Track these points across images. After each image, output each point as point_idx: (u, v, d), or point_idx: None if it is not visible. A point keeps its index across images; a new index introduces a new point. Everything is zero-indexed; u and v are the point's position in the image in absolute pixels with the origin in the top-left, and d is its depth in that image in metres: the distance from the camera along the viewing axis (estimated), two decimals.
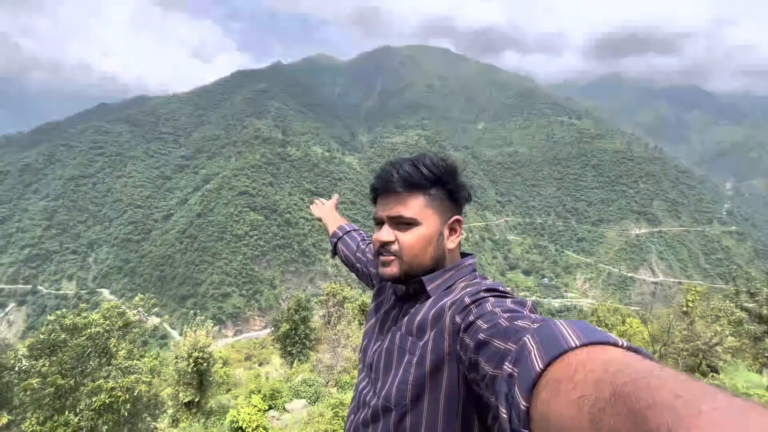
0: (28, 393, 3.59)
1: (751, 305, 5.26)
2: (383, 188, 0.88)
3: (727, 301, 5.63)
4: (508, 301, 0.66)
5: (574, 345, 0.39)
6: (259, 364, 16.55)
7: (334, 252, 1.43)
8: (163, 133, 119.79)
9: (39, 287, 72.37)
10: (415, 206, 0.83)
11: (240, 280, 69.70)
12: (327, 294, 11.93)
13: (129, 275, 74.47)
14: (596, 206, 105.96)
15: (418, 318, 0.78)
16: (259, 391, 9.52)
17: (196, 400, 7.63)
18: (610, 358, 0.35)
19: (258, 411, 6.82)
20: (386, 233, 0.85)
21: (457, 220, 0.86)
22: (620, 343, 0.39)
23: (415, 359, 0.73)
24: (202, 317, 9.07)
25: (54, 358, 3.76)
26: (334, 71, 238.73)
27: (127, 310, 4.86)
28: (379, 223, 0.88)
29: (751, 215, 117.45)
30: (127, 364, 4.16)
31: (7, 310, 67.47)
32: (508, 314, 0.58)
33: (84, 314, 4.29)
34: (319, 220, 1.63)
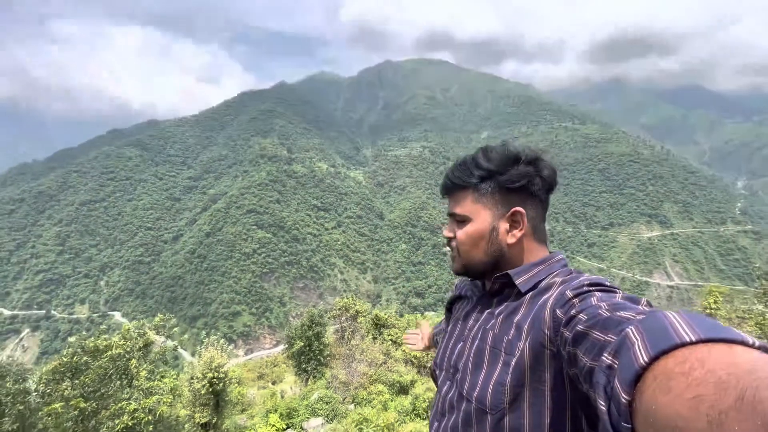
0: (51, 417, 3.58)
1: None
2: (441, 190, 0.91)
3: (755, 302, 5.45)
4: (618, 296, 0.61)
5: (688, 340, 0.35)
6: (273, 383, 16.34)
7: None
8: (171, 155, 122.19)
9: (52, 311, 73.09)
10: (464, 203, 0.85)
11: (249, 299, 69.68)
12: (340, 308, 11.83)
13: (140, 297, 74.95)
14: (605, 210, 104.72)
15: (516, 318, 0.74)
16: (276, 410, 9.38)
17: (213, 421, 7.54)
18: (737, 359, 0.31)
19: (276, 430, 6.71)
20: (447, 230, 0.90)
21: (517, 212, 0.82)
22: (749, 342, 0.34)
23: (513, 359, 0.69)
24: (215, 336, 9.04)
25: (76, 381, 3.77)
26: (338, 88, 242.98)
27: (148, 330, 4.87)
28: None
29: (766, 213, 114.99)
30: (148, 385, 4.15)
31: (21, 336, 68.09)
32: (611, 305, 0.56)
33: (105, 336, 4.31)
34: (428, 349, 1.47)
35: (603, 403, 0.40)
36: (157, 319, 5.27)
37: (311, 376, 12.48)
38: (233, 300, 68.40)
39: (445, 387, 0.83)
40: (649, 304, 0.58)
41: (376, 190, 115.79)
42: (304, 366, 11.94)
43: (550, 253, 0.87)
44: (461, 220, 0.85)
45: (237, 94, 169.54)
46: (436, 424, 0.82)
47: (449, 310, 1.03)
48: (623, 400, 0.36)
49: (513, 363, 0.69)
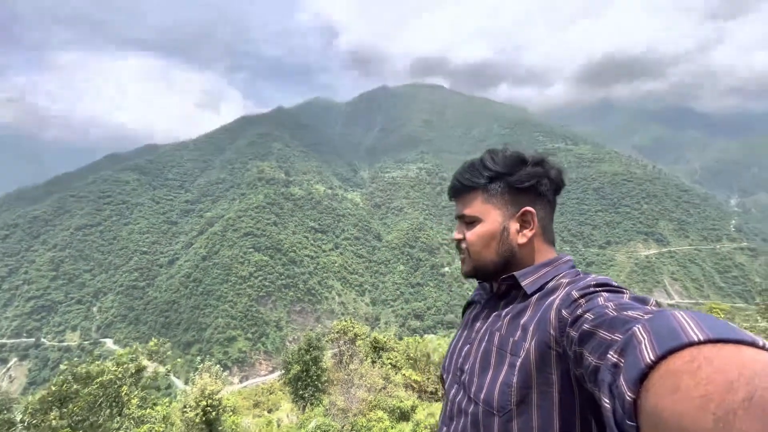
0: None
1: None
2: (449, 192, 0.91)
3: (758, 318, 5.41)
4: (626, 296, 0.60)
5: (696, 339, 0.35)
6: (269, 411, 15.78)
7: None
8: (169, 179, 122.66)
9: (42, 339, 71.11)
10: (474, 204, 0.84)
11: (245, 323, 68.29)
12: (338, 331, 11.60)
13: (133, 323, 73.31)
14: (602, 229, 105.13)
15: (523, 319, 0.74)
16: None
17: None
18: (747, 360, 0.31)
19: None
20: (456, 232, 0.89)
21: (528, 212, 0.83)
22: (759, 343, 0.33)
23: (519, 360, 0.68)
24: (209, 363, 8.79)
25: (65, 410, 3.61)
26: (335, 112, 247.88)
27: (141, 355, 4.73)
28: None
29: (760, 230, 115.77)
30: (139, 414, 3.98)
31: (8, 365, 65.90)
32: (618, 305, 0.55)
33: (98, 362, 4.17)
34: None
35: (608, 401, 0.40)
36: (151, 343, 5.13)
37: (308, 403, 12.08)
38: (229, 325, 66.98)
39: (453, 390, 0.83)
40: (657, 305, 0.57)
41: (374, 212, 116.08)
42: (301, 392, 11.59)
43: (557, 254, 0.87)
44: (471, 222, 0.85)
45: (235, 119, 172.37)
46: (444, 428, 0.82)
47: (463, 315, 1.03)
48: (628, 398, 0.36)
49: (518, 364, 0.68)
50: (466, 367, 0.79)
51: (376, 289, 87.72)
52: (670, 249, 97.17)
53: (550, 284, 0.77)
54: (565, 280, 0.77)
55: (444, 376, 0.91)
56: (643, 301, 0.58)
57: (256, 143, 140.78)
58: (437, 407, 9.75)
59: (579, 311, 0.61)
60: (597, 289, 0.66)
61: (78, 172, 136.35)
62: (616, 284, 0.68)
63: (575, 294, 0.66)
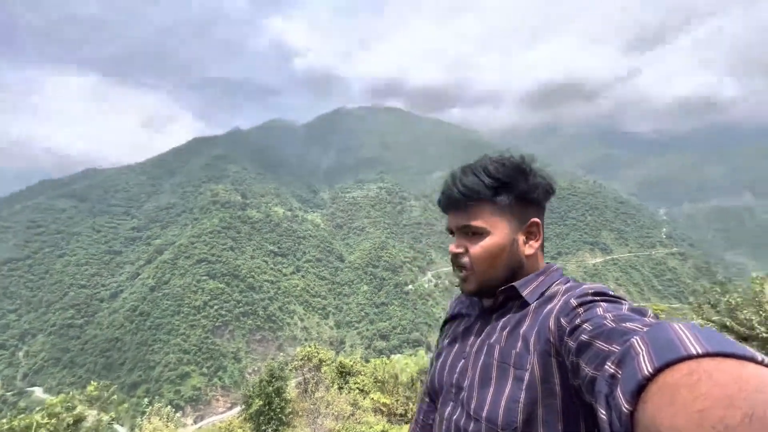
0: None
1: (715, 318, 5.57)
2: (447, 204, 0.86)
3: (694, 316, 5.93)
4: (624, 307, 0.59)
5: (695, 352, 0.34)
6: None
7: None
8: (112, 205, 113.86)
9: None
10: (482, 215, 0.80)
11: (200, 357, 63.58)
12: (302, 358, 11.14)
13: (68, 366, 65.59)
14: (552, 240, 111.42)
15: (523, 329, 0.71)
16: None
17: None
18: (747, 374, 0.30)
19: None
20: (456, 244, 0.84)
21: (534, 223, 0.81)
22: (759, 359, 0.33)
23: (527, 374, 0.65)
24: (159, 404, 8.05)
25: None
26: (292, 134, 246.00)
27: (79, 403, 4.19)
28: (452, 233, 0.87)
29: (687, 236, 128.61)
30: None
31: None
32: (616, 316, 0.53)
33: (22, 415, 3.61)
34: None
35: (604, 413, 0.39)
36: (90, 387, 4.57)
37: None
38: (181, 360, 61.99)
39: (448, 408, 0.78)
40: (656, 317, 0.56)
41: (335, 232, 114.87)
42: (263, 428, 10.87)
43: (547, 263, 0.86)
44: (477, 233, 0.80)
45: (187, 141, 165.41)
46: None
47: (442, 330, 0.99)
48: (625, 410, 0.35)
49: (526, 378, 0.65)
50: (465, 383, 0.75)
51: (340, 311, 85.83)
52: (613, 257, 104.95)
53: (548, 292, 0.76)
54: (561, 288, 0.75)
55: (432, 394, 0.86)
56: (641, 313, 0.56)
57: (211, 165, 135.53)
58: (407, 430, 9.54)
59: (577, 321, 0.60)
60: (595, 298, 0.65)
61: (3, 200, 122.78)
62: (612, 293, 0.67)
63: (573, 302, 0.66)
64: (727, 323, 5.71)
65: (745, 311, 5.83)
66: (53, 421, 3.78)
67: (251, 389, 11.71)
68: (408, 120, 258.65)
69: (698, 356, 0.33)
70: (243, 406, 12.77)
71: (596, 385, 0.44)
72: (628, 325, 0.49)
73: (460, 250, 0.82)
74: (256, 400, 11.19)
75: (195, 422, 52.03)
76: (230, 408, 51.51)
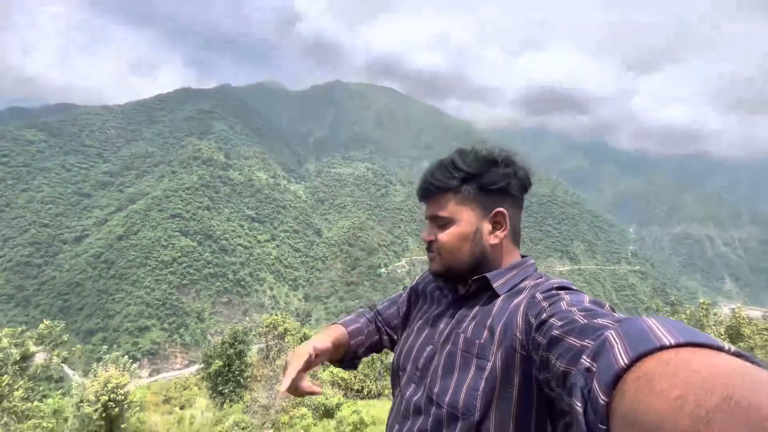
0: None
1: None
2: (420, 195, 0.90)
3: None
4: (585, 299, 0.63)
5: (668, 343, 0.35)
6: (181, 407, 14.65)
7: (356, 357, 1.08)
8: (86, 145, 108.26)
9: None
10: (447, 205, 0.83)
11: (162, 312, 62.83)
12: (267, 326, 11.21)
13: (22, 304, 63.50)
14: (526, 244, 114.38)
15: (489, 321, 0.74)
16: None
17: None
18: (721, 362, 0.31)
19: None
20: (427, 232, 0.88)
21: (499, 213, 0.82)
22: (726, 348, 0.34)
23: (488, 364, 0.68)
24: (117, 353, 7.97)
25: None
26: (285, 99, 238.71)
27: (29, 340, 4.08)
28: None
29: (650, 257, 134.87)
30: (24, 407, 3.43)
31: None
32: (585, 312, 0.56)
33: None
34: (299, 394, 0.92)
35: (579, 405, 0.40)
36: (41, 326, 4.45)
37: (228, 400, 11.48)
38: (142, 313, 61.08)
39: (410, 389, 0.81)
40: (612, 309, 0.59)
41: (316, 206, 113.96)
42: (220, 388, 10.98)
43: (522, 256, 0.88)
44: (444, 223, 0.84)
45: (174, 90, 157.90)
46: (397, 426, 0.81)
47: (409, 298, 1.04)
48: (601, 401, 0.36)
49: (488, 368, 0.68)
50: (430, 368, 0.78)
51: (310, 284, 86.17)
52: (579, 267, 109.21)
53: (518, 286, 0.79)
54: (530, 283, 0.79)
55: (399, 373, 0.89)
56: (600, 305, 0.60)
57: (195, 119, 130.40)
58: (362, 405, 9.84)
59: (544, 315, 0.61)
60: (559, 291, 0.68)
61: None
62: (575, 288, 0.69)
63: (539, 296, 0.68)
64: None
65: None
66: (1, 355, 3.68)
67: (212, 350, 11.74)
68: (405, 103, 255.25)
69: (672, 346, 0.35)
70: (202, 365, 12.81)
71: (570, 378, 0.45)
72: (600, 321, 0.50)
73: (431, 238, 0.86)
74: (217, 361, 11.25)
75: (151, 375, 51.83)
76: (188, 365, 51.51)
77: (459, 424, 0.68)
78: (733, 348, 0.34)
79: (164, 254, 72.16)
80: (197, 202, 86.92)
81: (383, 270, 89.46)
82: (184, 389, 19.53)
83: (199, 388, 15.43)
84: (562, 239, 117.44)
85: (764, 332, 7.03)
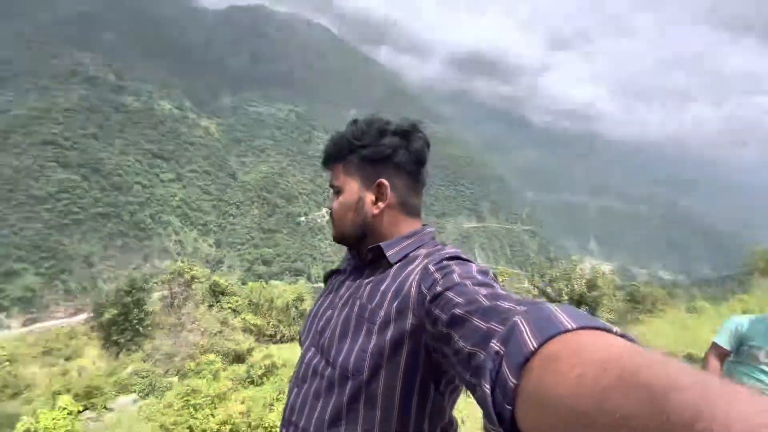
0: None
1: (540, 284, 7.11)
2: (321, 162, 0.92)
3: (525, 281, 7.47)
4: (474, 269, 0.66)
5: (570, 327, 0.39)
6: (67, 359, 13.31)
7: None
8: None
9: None
10: (338, 175, 0.87)
11: (37, 256, 54.11)
12: (172, 272, 10.49)
13: None
14: (441, 201, 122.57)
15: (382, 287, 0.76)
16: (69, 391, 7.77)
17: None
18: (614, 343, 0.35)
19: (68, 414, 5.58)
20: (330, 200, 0.90)
21: (381, 184, 0.83)
22: (614, 330, 0.39)
23: (375, 327, 0.71)
24: None
25: None
26: (198, 16, 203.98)
27: None
28: None
29: (540, 219, 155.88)
30: None
31: None
32: (485, 290, 0.57)
33: None
34: None
35: (488, 386, 0.41)
36: None
37: (124, 349, 10.74)
38: (10, 256, 51.80)
39: (310, 353, 0.83)
40: (495, 277, 0.66)
41: (231, 146, 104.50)
42: (115, 338, 10.21)
43: (423, 226, 0.88)
44: (336, 192, 0.87)
45: None
46: (296, 390, 0.82)
47: (326, 282, 1.04)
48: (510, 384, 0.38)
49: (375, 331, 0.71)
50: (327, 331, 0.81)
51: (222, 230, 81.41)
52: (484, 225, 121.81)
53: (411, 255, 0.80)
54: (423, 251, 0.80)
55: (302, 338, 0.91)
56: (485, 273, 0.65)
57: (75, 24, 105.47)
58: (275, 349, 10.08)
59: (438, 288, 0.63)
60: (449, 262, 0.69)
61: None
62: (464, 256, 0.72)
63: (432, 268, 0.69)
64: (546, 290, 7.39)
65: (559, 283, 7.62)
66: None
67: (105, 298, 10.65)
68: (337, 46, 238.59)
69: (572, 330, 0.38)
70: (92, 314, 11.60)
71: (477, 360, 0.47)
72: (504, 304, 0.52)
73: (330, 205, 0.89)
74: (110, 309, 10.28)
75: (24, 325, 45.38)
76: (74, 314, 46.15)
77: (349, 384, 0.71)
78: (618, 330, 0.39)
79: (37, 188, 60.68)
80: (80, 129, 73.24)
81: (303, 219, 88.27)
82: (71, 339, 17.66)
83: (89, 338, 14.06)
84: (473, 198, 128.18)
85: (610, 284, 8.96)
